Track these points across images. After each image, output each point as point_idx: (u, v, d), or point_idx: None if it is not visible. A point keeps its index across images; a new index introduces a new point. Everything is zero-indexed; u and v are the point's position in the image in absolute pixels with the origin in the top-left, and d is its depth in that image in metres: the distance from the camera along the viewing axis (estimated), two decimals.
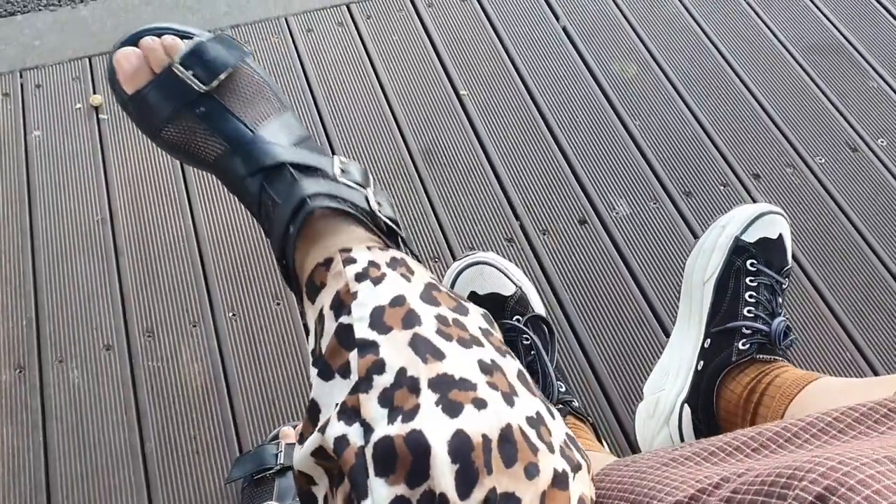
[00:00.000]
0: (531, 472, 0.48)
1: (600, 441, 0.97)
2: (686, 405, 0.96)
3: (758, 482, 0.47)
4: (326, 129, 1.38)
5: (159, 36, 0.74)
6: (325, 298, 0.56)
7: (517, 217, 1.29)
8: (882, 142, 1.37)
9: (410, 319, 0.53)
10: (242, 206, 1.27)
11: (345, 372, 0.52)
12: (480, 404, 0.49)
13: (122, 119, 1.39)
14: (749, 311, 0.96)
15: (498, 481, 0.47)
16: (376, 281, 0.56)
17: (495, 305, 1.00)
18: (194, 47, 0.72)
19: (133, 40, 0.75)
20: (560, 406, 0.95)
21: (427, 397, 0.49)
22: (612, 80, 1.45)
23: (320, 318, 0.56)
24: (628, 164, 1.34)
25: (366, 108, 1.42)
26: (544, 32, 1.52)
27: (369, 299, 0.54)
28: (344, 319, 0.54)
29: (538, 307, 1.03)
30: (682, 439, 0.96)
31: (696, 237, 1.26)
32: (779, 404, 0.86)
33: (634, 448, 1.06)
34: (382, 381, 0.50)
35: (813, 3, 1.57)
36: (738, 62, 1.48)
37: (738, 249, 1.00)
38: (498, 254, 1.23)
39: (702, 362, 0.97)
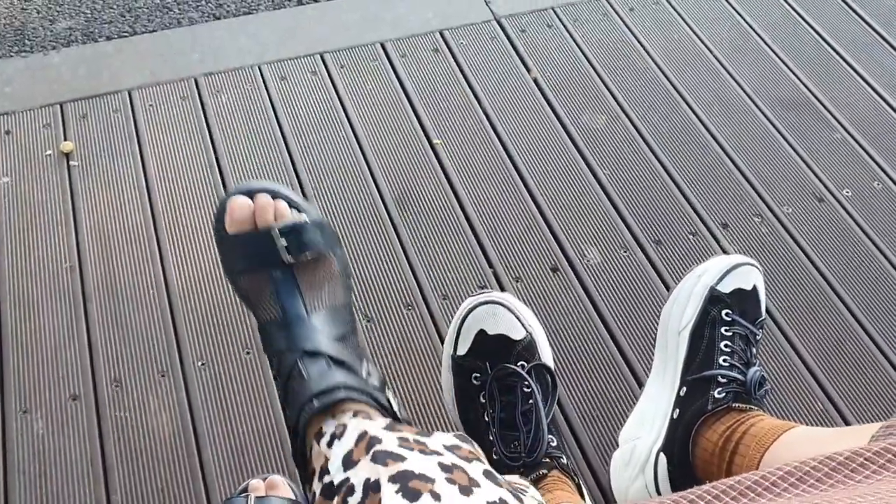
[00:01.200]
0: None
1: (583, 497, 0.97)
2: (661, 453, 0.95)
3: None
4: (300, 176, 1.39)
5: (274, 197, 0.82)
6: (315, 482, 0.66)
7: (490, 264, 1.29)
8: (847, 192, 1.40)
9: (371, 443, 0.62)
10: (214, 260, 1.27)
11: None
12: (436, 496, 0.56)
13: (93, 166, 1.39)
14: (724, 361, 0.97)
15: None
16: (341, 435, 0.66)
17: (502, 348, 1.00)
18: (296, 224, 0.81)
19: (250, 192, 0.83)
20: (547, 460, 0.94)
21: (388, 489, 0.57)
22: (582, 130, 1.47)
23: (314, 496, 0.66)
24: (599, 212, 1.36)
25: (339, 155, 1.42)
26: (515, 83, 1.55)
27: (339, 452, 0.64)
28: (325, 479, 0.63)
29: (546, 356, 1.03)
30: (657, 488, 0.95)
31: (666, 285, 1.27)
32: (754, 453, 0.86)
33: (608, 497, 1.06)
34: (354, 500, 0.59)
35: (780, 58, 1.61)
36: (706, 114, 1.51)
37: (714, 299, 1.01)
38: None
39: (677, 410, 0.97)
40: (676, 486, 0.94)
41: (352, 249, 1.30)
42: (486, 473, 0.60)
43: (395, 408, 0.78)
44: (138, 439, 1.10)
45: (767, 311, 1.24)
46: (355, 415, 0.71)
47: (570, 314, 1.24)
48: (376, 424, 0.66)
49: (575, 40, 1.62)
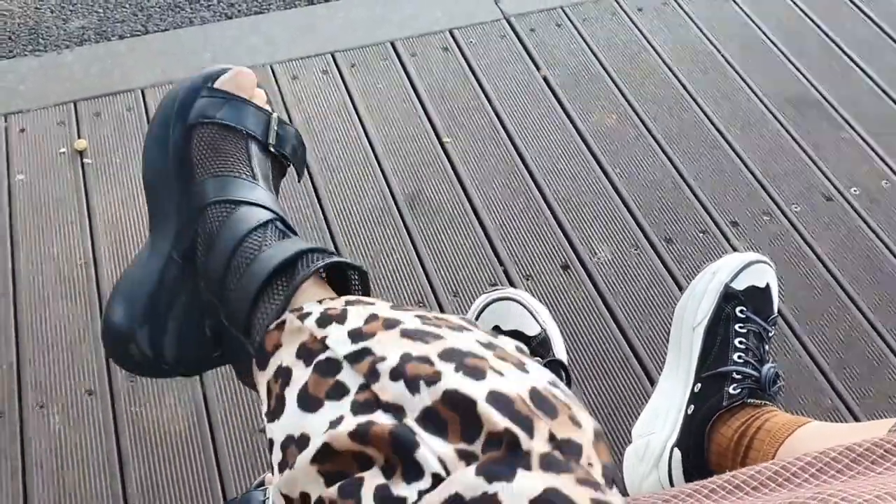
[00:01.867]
0: (576, 421, 0.46)
1: None
2: (676, 449, 0.96)
3: None
4: (312, 174, 1.40)
5: (268, 100, 0.78)
6: (283, 356, 0.53)
7: (501, 262, 1.30)
8: (855, 191, 1.41)
9: (390, 322, 0.51)
10: None
11: (337, 392, 0.48)
12: (498, 373, 0.47)
13: (106, 163, 1.40)
14: (739, 357, 0.98)
15: (552, 426, 0.45)
16: (340, 318, 0.53)
17: None
18: (291, 128, 0.77)
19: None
20: None
21: (443, 366, 0.47)
22: (593, 129, 1.48)
23: (278, 375, 0.53)
24: (609, 210, 1.37)
25: (351, 154, 1.43)
26: (525, 82, 1.55)
27: (341, 332, 0.51)
28: (321, 356, 0.50)
29: (560, 353, 1.04)
30: (671, 483, 0.96)
31: (677, 283, 1.28)
32: (769, 447, 0.87)
33: (621, 492, 1.06)
34: (388, 365, 0.47)
35: (787, 58, 1.62)
36: (715, 113, 1.52)
37: (728, 296, 1.02)
38: None
39: (692, 406, 0.98)
40: (690, 480, 0.95)
41: (363, 246, 1.31)
42: (520, 350, 0.52)
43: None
44: (153, 433, 1.11)
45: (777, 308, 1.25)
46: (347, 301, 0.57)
47: (580, 312, 1.24)
48: (382, 305, 0.55)
49: (584, 39, 1.63)
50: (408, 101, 1.52)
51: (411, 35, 1.62)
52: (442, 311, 1.24)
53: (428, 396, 0.45)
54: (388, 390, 0.46)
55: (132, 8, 1.69)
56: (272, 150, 0.74)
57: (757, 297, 1.03)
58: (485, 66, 1.58)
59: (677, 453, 0.96)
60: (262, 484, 1.03)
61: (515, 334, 1.02)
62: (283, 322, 0.54)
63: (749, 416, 0.92)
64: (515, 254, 1.31)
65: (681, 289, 1.27)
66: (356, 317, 0.52)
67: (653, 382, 1.16)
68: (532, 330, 1.03)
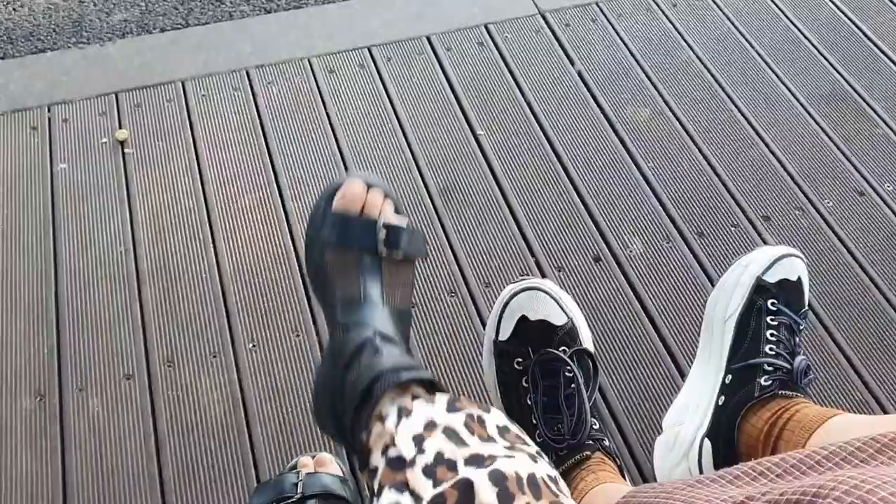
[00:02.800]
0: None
1: (624, 479, 0.98)
2: (706, 439, 0.97)
3: (783, 500, 0.49)
4: (347, 165, 1.42)
5: (385, 197, 0.90)
6: (375, 458, 0.67)
7: (533, 254, 1.31)
8: (889, 187, 1.40)
9: (442, 429, 0.66)
10: (265, 245, 1.30)
11: (399, 486, 0.62)
12: (509, 457, 0.61)
13: (147, 153, 1.43)
14: (771, 349, 0.98)
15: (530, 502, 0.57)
16: (407, 414, 0.68)
17: (544, 333, 1.01)
18: (397, 224, 0.88)
19: (367, 183, 0.89)
20: (590, 442, 0.95)
21: (466, 470, 0.61)
22: (626, 122, 1.49)
23: (369, 472, 0.67)
24: (642, 203, 1.37)
25: (385, 146, 1.45)
26: (559, 76, 1.56)
27: (406, 431, 0.66)
28: (391, 453, 0.65)
29: (587, 342, 1.04)
30: (700, 473, 0.97)
31: (708, 276, 1.28)
32: (799, 438, 0.87)
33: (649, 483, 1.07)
34: (423, 460, 0.62)
35: (821, 53, 1.61)
36: (748, 108, 1.51)
37: (760, 289, 1.02)
38: None
39: (723, 397, 0.98)
40: None
41: None
42: (538, 453, 0.64)
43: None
44: (190, 417, 1.14)
45: (809, 305, 1.25)
46: (416, 397, 0.72)
47: (612, 304, 1.25)
48: (440, 405, 0.68)
49: (619, 34, 1.63)
50: (442, 94, 1.53)
51: (447, 30, 1.64)
52: (474, 301, 1.25)
53: (444, 486, 0.59)
54: (417, 481, 0.61)
55: (173, 2, 1.72)
56: (383, 255, 0.86)
57: (789, 290, 1.02)
58: (519, 60, 1.59)
59: (707, 444, 0.96)
60: (294, 467, 1.05)
61: (542, 324, 1.02)
62: (370, 432, 0.70)
63: (780, 408, 0.92)
64: (547, 245, 1.32)
65: (712, 282, 1.27)
66: (419, 416, 0.67)
67: (682, 374, 1.17)
68: (559, 319, 1.03)
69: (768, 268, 1.03)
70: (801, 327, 1.02)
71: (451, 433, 0.64)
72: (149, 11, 1.71)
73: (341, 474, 1.03)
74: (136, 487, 1.08)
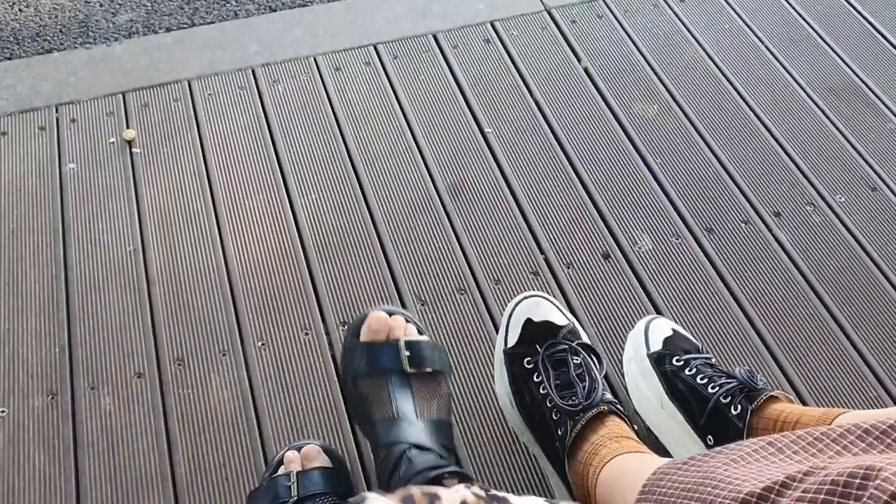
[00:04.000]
0: None
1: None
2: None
3: (828, 482, 0.48)
4: (354, 164, 1.41)
5: (406, 321, 1.00)
6: None
7: (542, 251, 1.31)
8: None
9: None
10: (273, 243, 1.30)
11: None
12: None
13: (154, 153, 1.43)
14: (713, 388, 1.00)
15: None
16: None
17: (549, 331, 1.05)
18: (419, 341, 0.98)
19: (389, 311, 0.99)
20: (605, 407, 0.97)
21: None
22: (634, 119, 1.48)
23: None
24: (650, 200, 1.37)
25: (393, 144, 1.45)
26: (566, 73, 1.56)
27: None
28: None
29: (586, 340, 1.08)
30: None
31: (718, 273, 1.27)
32: None
33: None
34: None
35: (830, 47, 1.61)
36: (757, 103, 1.51)
37: (658, 360, 1.06)
38: (523, 287, 1.25)
39: (710, 437, 0.99)
40: None
41: (405, 235, 1.32)
42: None
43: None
44: (201, 416, 1.14)
45: (819, 297, 1.25)
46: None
47: (621, 301, 1.25)
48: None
49: (626, 30, 1.63)
50: (449, 91, 1.53)
51: (453, 27, 1.64)
52: (484, 299, 1.25)
53: None
54: None
55: (179, 1, 1.72)
56: (410, 371, 0.95)
57: (676, 342, 1.08)
58: (526, 57, 1.59)
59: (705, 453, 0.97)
60: (280, 462, 1.04)
61: (546, 324, 1.06)
62: None
63: (773, 424, 0.93)
64: (556, 242, 1.32)
65: (722, 279, 1.27)
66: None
67: None
68: (561, 321, 1.07)
69: (646, 341, 1.08)
70: (712, 360, 1.06)
71: None
72: (154, 11, 1.71)
73: (331, 465, 1.03)
74: (148, 485, 1.08)
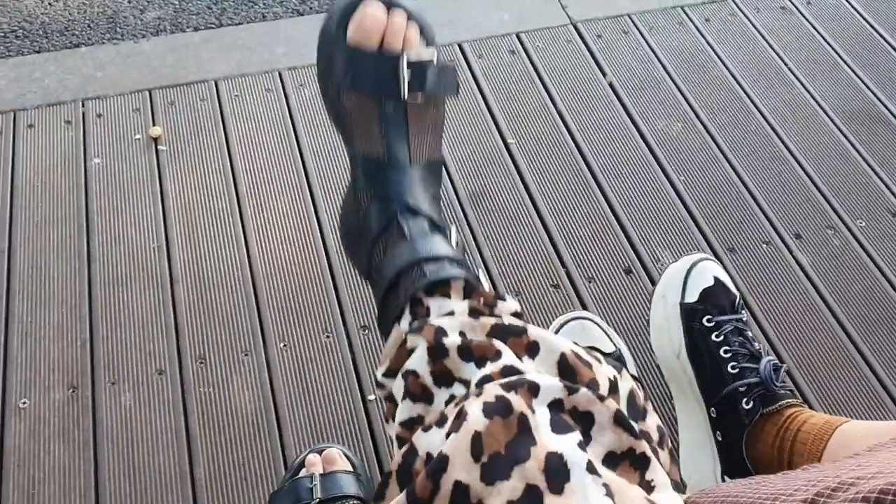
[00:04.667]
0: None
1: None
2: (726, 478, 0.97)
3: (859, 498, 0.49)
4: None
5: (409, 19, 0.74)
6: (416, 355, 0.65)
7: (563, 264, 1.31)
8: None
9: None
10: (297, 245, 1.30)
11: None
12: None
13: (180, 151, 1.43)
14: (733, 368, 0.98)
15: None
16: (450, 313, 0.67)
17: None
18: (426, 61, 0.73)
19: (389, 2, 0.74)
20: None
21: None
22: (658, 135, 1.49)
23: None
24: (673, 217, 1.37)
25: None
26: (591, 87, 1.57)
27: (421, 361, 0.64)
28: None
29: (631, 370, 1.06)
30: None
31: (740, 292, 1.28)
32: (812, 451, 0.87)
33: None
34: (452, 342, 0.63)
35: (854, 72, 1.61)
36: (780, 126, 1.52)
37: (689, 314, 1.03)
38: (543, 300, 1.25)
39: (718, 432, 0.98)
40: None
41: None
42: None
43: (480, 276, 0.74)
44: (221, 415, 1.14)
45: (836, 318, 1.25)
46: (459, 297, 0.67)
47: (642, 317, 1.25)
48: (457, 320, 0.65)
49: (651, 47, 1.64)
50: (473, 101, 1.54)
51: (478, 37, 1.64)
52: None
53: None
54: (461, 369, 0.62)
55: (207, 1, 1.73)
56: (408, 99, 0.73)
57: (713, 297, 1.03)
58: (551, 69, 1.59)
59: (729, 482, 0.97)
60: (302, 465, 1.05)
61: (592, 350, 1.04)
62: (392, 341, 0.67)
63: (778, 428, 0.93)
64: (578, 256, 1.32)
65: (742, 298, 1.27)
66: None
67: None
68: (607, 348, 1.06)
69: (683, 289, 1.04)
70: (744, 319, 1.02)
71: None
72: (182, 10, 1.72)
73: (352, 469, 1.03)
74: (167, 483, 1.08)
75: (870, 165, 1.46)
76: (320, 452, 1.05)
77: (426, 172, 0.75)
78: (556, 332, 1.06)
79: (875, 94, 1.58)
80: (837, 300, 1.28)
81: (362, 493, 1.00)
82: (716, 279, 1.06)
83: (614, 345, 1.06)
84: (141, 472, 1.09)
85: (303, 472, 1.03)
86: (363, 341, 1.20)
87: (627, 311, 1.26)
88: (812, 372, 1.20)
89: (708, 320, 1.01)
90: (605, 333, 1.07)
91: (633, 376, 0.96)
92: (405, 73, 0.72)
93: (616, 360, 1.04)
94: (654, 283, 1.29)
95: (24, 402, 1.14)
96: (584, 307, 1.26)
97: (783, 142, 1.49)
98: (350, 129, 0.76)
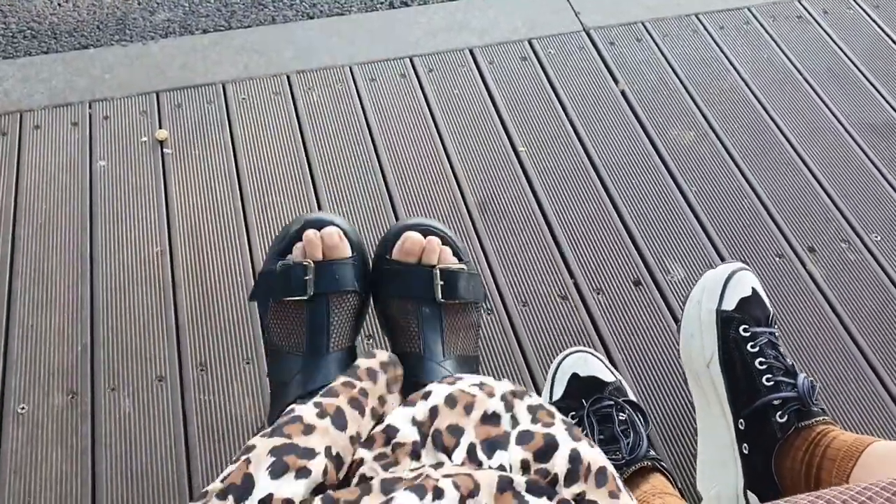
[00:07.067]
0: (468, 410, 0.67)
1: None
2: (749, 492, 0.95)
3: None
4: (385, 176, 1.40)
5: (444, 242, 0.92)
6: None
7: (571, 275, 1.29)
8: None
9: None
10: None
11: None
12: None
13: (186, 154, 1.42)
14: (768, 381, 0.95)
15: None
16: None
17: (595, 386, 1.03)
18: (456, 270, 0.90)
19: (425, 229, 0.91)
20: (649, 463, 0.94)
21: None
22: (670, 145, 1.47)
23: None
24: (684, 229, 1.35)
25: (425, 158, 1.44)
26: (603, 95, 1.55)
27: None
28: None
29: (632, 398, 1.06)
30: None
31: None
32: (841, 470, 0.85)
33: None
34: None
35: (871, 83, 1.59)
36: (795, 137, 1.49)
37: (725, 321, 1.00)
38: (551, 311, 1.23)
39: (745, 445, 0.96)
40: None
41: None
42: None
43: None
44: (222, 424, 1.13)
45: (850, 334, 1.23)
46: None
47: (651, 330, 1.23)
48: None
49: (664, 55, 1.62)
50: (484, 108, 1.52)
51: (490, 43, 1.63)
52: (511, 320, 1.23)
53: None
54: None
55: (217, 3, 1.72)
56: (441, 301, 0.88)
57: (750, 307, 1.01)
58: (562, 77, 1.57)
59: (753, 497, 0.94)
60: (297, 237, 0.94)
61: (593, 379, 1.05)
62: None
63: (809, 442, 0.90)
64: (586, 266, 1.30)
65: None
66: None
67: None
68: (608, 377, 1.05)
69: (722, 296, 1.01)
70: (777, 335, 1.01)
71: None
72: (192, 12, 1.70)
73: (351, 253, 0.91)
74: (164, 491, 1.07)
75: (885, 178, 1.44)
76: (319, 227, 0.92)
77: (458, 365, 0.88)
78: (557, 368, 1.07)
79: (892, 106, 1.55)
80: (851, 315, 1.26)
81: (359, 286, 0.91)
82: (753, 290, 1.03)
83: (614, 376, 1.06)
84: (139, 479, 1.08)
85: (296, 253, 0.92)
86: (366, 349, 1.19)
87: (635, 324, 1.24)
88: (824, 387, 1.18)
89: (745, 330, 0.99)
90: (605, 365, 1.07)
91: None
92: (438, 280, 0.88)
93: (616, 388, 1.04)
94: (663, 296, 1.26)
95: (23, 408, 1.13)
96: (592, 319, 1.24)
97: (797, 153, 1.47)
98: (392, 331, 0.91)
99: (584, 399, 1.02)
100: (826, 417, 0.94)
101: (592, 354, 1.08)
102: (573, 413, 1.02)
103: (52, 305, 1.23)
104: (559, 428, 0.66)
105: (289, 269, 0.90)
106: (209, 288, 1.25)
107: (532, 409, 0.69)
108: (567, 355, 1.07)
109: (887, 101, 1.56)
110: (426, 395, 0.69)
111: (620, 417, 0.99)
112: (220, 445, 1.11)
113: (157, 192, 1.37)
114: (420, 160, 1.43)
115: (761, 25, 1.68)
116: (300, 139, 1.45)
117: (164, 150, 1.43)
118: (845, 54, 1.64)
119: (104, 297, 1.24)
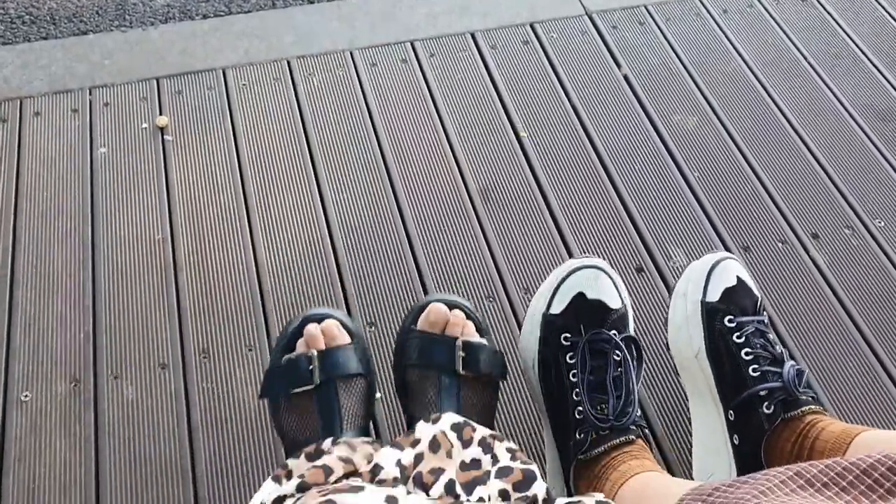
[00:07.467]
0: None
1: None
2: None
3: None
4: (386, 162, 1.40)
5: (468, 317, 0.98)
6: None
7: None
8: None
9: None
10: (303, 240, 1.28)
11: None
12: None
13: (186, 140, 1.41)
14: (754, 371, 0.95)
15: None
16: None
17: (598, 314, 1.00)
18: (477, 343, 0.94)
19: (451, 304, 0.97)
20: (634, 427, 0.94)
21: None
22: (672, 129, 1.46)
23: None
24: (687, 214, 1.35)
25: (426, 143, 1.43)
26: (605, 79, 1.54)
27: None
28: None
29: (631, 331, 1.03)
30: None
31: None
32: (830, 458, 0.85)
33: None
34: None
35: (876, 67, 1.58)
36: (798, 121, 1.49)
37: (710, 312, 0.99)
38: None
39: (736, 436, 0.96)
40: None
41: (434, 235, 1.31)
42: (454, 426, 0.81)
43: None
44: (225, 410, 1.13)
45: (852, 319, 1.23)
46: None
47: (653, 316, 1.23)
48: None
49: (667, 39, 1.61)
50: (485, 93, 1.51)
51: (492, 27, 1.62)
52: (512, 307, 1.23)
53: None
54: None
55: None
56: (462, 373, 0.91)
57: (735, 297, 1.00)
58: (565, 61, 1.57)
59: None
60: (297, 335, 0.99)
61: (598, 303, 1.01)
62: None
63: (796, 434, 0.90)
64: (589, 252, 1.30)
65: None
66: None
67: None
68: (615, 303, 1.02)
69: (706, 287, 1.01)
70: (766, 322, 1.00)
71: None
72: None
73: (351, 340, 0.96)
74: (168, 477, 1.07)
75: (890, 163, 1.43)
76: (319, 321, 0.97)
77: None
78: (564, 278, 1.02)
79: None
80: (854, 301, 1.25)
81: (363, 368, 0.95)
82: (738, 279, 1.02)
83: (621, 300, 1.02)
84: (142, 466, 1.08)
85: (299, 348, 0.96)
86: (368, 337, 1.19)
87: (639, 311, 1.23)
88: (826, 375, 1.18)
89: (730, 320, 0.98)
90: (616, 288, 1.03)
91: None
92: (459, 352, 0.92)
93: (620, 317, 1.01)
94: (665, 282, 1.26)
95: (27, 395, 1.13)
96: None
97: (801, 138, 1.46)
98: (410, 397, 0.94)
99: (583, 325, 0.98)
100: (815, 406, 0.94)
101: (604, 272, 1.02)
102: (567, 335, 0.99)
103: (53, 293, 1.23)
104: (537, 466, 0.74)
105: (294, 361, 0.95)
106: (211, 275, 1.25)
107: (511, 451, 0.76)
108: (577, 268, 1.01)
109: (892, 85, 1.55)
110: (415, 443, 0.75)
111: (615, 358, 0.96)
112: (223, 432, 1.11)
113: (158, 179, 1.36)
114: (421, 145, 1.43)
115: (764, 8, 1.67)
116: (301, 125, 1.45)
117: (165, 136, 1.42)
118: (849, 37, 1.63)
119: (106, 285, 1.24)
